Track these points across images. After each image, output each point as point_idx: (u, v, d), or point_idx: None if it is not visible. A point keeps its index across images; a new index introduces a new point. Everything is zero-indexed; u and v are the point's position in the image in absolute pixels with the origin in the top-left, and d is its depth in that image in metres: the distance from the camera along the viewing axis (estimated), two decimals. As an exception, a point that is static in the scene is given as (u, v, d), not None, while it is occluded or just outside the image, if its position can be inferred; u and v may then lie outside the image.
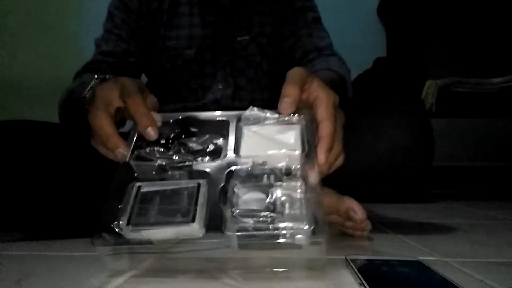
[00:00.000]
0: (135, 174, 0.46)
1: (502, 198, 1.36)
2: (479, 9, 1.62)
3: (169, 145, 0.48)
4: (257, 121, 0.48)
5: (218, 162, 0.46)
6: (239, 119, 0.50)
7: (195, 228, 0.38)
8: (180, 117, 0.52)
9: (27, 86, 1.85)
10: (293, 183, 0.41)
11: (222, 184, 0.44)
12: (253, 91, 0.88)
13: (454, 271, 0.44)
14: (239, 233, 0.37)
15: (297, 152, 0.44)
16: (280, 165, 0.44)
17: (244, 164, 0.45)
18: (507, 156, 1.53)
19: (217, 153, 0.48)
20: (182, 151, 0.47)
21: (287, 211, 0.39)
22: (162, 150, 0.47)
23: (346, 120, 0.52)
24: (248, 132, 0.47)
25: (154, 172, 0.46)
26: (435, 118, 1.44)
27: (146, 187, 0.43)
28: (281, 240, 0.37)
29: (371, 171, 0.69)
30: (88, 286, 0.39)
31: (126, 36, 0.83)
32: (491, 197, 1.41)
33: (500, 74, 1.55)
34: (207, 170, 0.45)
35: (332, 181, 0.53)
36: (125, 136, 0.49)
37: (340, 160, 0.48)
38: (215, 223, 0.39)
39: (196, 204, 0.40)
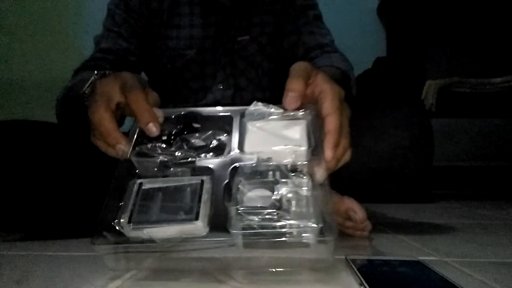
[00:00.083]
0: (136, 171, 0.44)
1: (502, 198, 1.36)
2: (479, 9, 1.62)
3: (171, 141, 0.47)
4: (262, 116, 0.47)
5: (222, 159, 0.45)
6: (242, 115, 0.49)
7: (199, 226, 0.37)
8: (182, 113, 0.51)
9: (27, 86, 1.85)
10: (299, 180, 0.40)
11: (226, 181, 0.42)
12: (254, 91, 0.87)
13: (454, 271, 0.44)
14: (245, 231, 0.36)
15: (303, 148, 0.43)
16: (285, 161, 0.43)
17: (249, 161, 0.43)
18: (507, 156, 1.53)
19: (220, 149, 0.46)
20: (185, 147, 0.46)
21: (293, 209, 0.37)
22: (164, 146, 0.46)
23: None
24: (253, 127, 0.46)
25: (156, 169, 0.44)
26: (435, 118, 1.44)
27: (148, 184, 0.42)
28: (288, 239, 0.36)
29: (371, 171, 0.69)
30: (88, 286, 0.39)
31: (127, 35, 0.82)
32: (491, 197, 1.41)
33: (500, 74, 1.55)
34: (211, 166, 0.44)
35: (332, 181, 0.53)
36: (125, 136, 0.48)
37: (347, 155, 0.46)
38: (219, 221, 0.38)
39: (199, 201, 0.39)
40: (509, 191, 1.44)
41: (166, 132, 0.48)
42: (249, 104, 0.49)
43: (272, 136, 0.44)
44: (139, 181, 0.42)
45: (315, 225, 0.36)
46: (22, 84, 1.86)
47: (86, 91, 0.56)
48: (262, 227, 0.36)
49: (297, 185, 0.39)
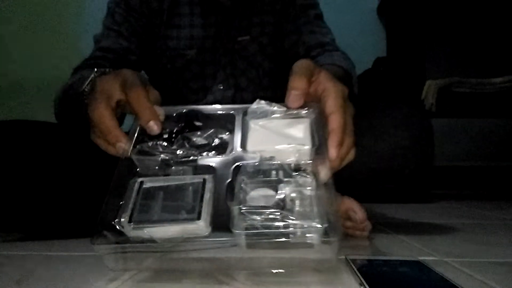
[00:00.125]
0: (137, 169, 0.44)
1: (502, 198, 1.36)
2: (479, 9, 1.62)
3: (173, 140, 0.46)
4: (264, 114, 0.46)
5: (224, 157, 0.44)
6: (245, 113, 0.48)
7: (201, 226, 0.37)
8: (183, 111, 0.50)
9: (27, 86, 1.85)
10: (303, 179, 0.39)
11: (229, 180, 0.42)
12: (255, 92, 0.87)
13: (454, 271, 0.44)
14: (248, 231, 0.35)
15: (307, 147, 0.42)
16: (289, 160, 0.42)
17: (252, 159, 0.43)
18: (507, 156, 1.53)
19: (222, 147, 0.46)
20: (186, 145, 0.45)
21: (297, 209, 0.37)
22: (165, 144, 0.45)
23: None
24: (255, 126, 0.46)
25: (157, 167, 0.44)
26: (435, 118, 1.44)
27: (149, 183, 0.41)
28: (292, 239, 0.35)
29: (371, 171, 0.69)
30: (88, 286, 0.39)
31: (127, 34, 0.82)
32: (491, 197, 1.41)
33: (500, 74, 1.55)
34: (213, 165, 0.44)
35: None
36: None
37: (351, 154, 0.46)
38: (221, 221, 0.37)
39: (201, 200, 0.38)
40: (509, 191, 1.44)
41: (167, 130, 0.47)
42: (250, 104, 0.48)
43: (275, 135, 0.44)
44: (140, 179, 0.42)
45: (319, 226, 0.35)
46: (22, 84, 1.86)
47: (86, 89, 0.55)
48: (266, 227, 0.35)
49: (301, 184, 0.39)
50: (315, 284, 0.40)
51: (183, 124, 0.49)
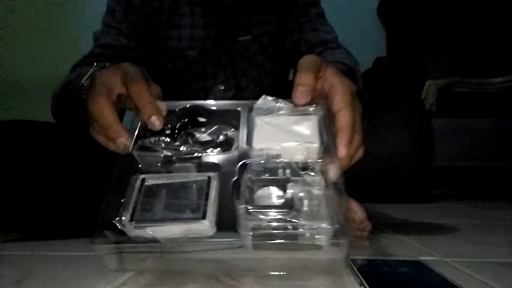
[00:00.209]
0: (139, 166, 0.42)
1: (502, 198, 1.36)
2: (479, 9, 1.62)
3: (175, 136, 0.44)
4: (270, 111, 0.45)
5: (229, 154, 0.43)
6: (250, 109, 0.47)
7: (206, 226, 0.35)
8: (187, 106, 0.48)
9: (27, 86, 1.85)
10: (311, 178, 0.38)
11: (235, 178, 0.40)
12: (256, 92, 0.87)
13: (454, 271, 0.44)
14: (255, 231, 0.34)
15: (315, 145, 0.41)
16: (296, 158, 0.41)
17: (258, 157, 0.41)
18: (507, 156, 1.53)
19: (227, 144, 0.44)
20: (190, 141, 0.44)
21: (305, 209, 0.35)
22: (168, 140, 0.43)
23: None
24: (261, 122, 0.44)
25: (159, 164, 0.42)
26: (435, 118, 1.44)
27: (151, 180, 0.39)
28: (301, 241, 0.34)
29: (371, 171, 0.69)
30: (88, 286, 0.39)
31: (127, 31, 0.81)
32: (491, 197, 1.41)
33: (500, 74, 1.55)
34: (218, 162, 0.42)
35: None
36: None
37: (360, 153, 0.45)
38: (226, 221, 0.36)
39: (207, 199, 0.37)
40: (509, 191, 1.44)
41: (170, 126, 0.45)
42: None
43: (282, 132, 0.42)
44: (141, 176, 0.40)
45: (329, 227, 0.34)
46: (22, 84, 1.86)
47: (85, 84, 0.53)
48: (274, 228, 0.34)
49: (309, 183, 0.37)
50: (315, 284, 0.40)
51: (186, 120, 0.47)
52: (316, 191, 0.37)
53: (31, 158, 0.60)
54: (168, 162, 0.42)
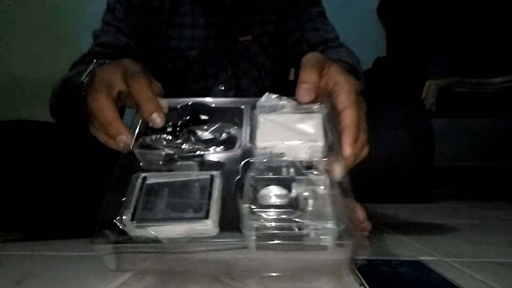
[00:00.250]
0: (140, 164, 0.41)
1: (502, 198, 1.36)
2: (479, 9, 1.62)
3: (177, 133, 0.43)
4: (273, 109, 0.44)
5: (232, 153, 0.42)
6: (253, 107, 0.46)
7: (209, 226, 0.34)
8: (189, 103, 0.47)
9: (27, 86, 1.85)
10: (316, 177, 0.37)
11: (238, 177, 0.39)
12: (256, 92, 0.87)
13: (454, 271, 0.44)
14: (259, 232, 0.33)
15: (320, 143, 0.40)
16: (300, 157, 0.40)
17: (261, 155, 0.41)
18: (507, 156, 1.53)
19: (230, 142, 0.43)
20: (192, 139, 0.43)
21: (310, 209, 0.35)
22: (170, 138, 0.42)
23: None
24: (264, 120, 0.43)
25: (161, 162, 0.41)
26: (435, 118, 1.44)
27: (153, 178, 0.38)
28: (306, 241, 0.33)
29: (371, 171, 0.69)
30: (88, 286, 0.39)
31: (127, 30, 0.81)
32: (491, 197, 1.41)
33: (500, 74, 1.55)
34: (221, 161, 0.41)
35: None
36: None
37: (365, 152, 0.44)
38: (229, 221, 0.35)
39: (209, 198, 0.36)
40: (509, 191, 1.44)
41: (171, 123, 0.45)
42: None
43: (286, 130, 0.42)
44: (143, 175, 0.39)
45: (334, 227, 0.33)
46: (22, 84, 1.86)
47: (84, 81, 0.52)
48: (278, 228, 0.33)
49: (314, 183, 0.37)
50: (314, 284, 0.40)
51: (188, 118, 0.46)
52: (321, 191, 0.36)
53: (31, 158, 0.60)
54: (169, 161, 0.42)
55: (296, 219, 0.34)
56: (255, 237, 0.34)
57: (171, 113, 0.46)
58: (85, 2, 1.89)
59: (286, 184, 0.36)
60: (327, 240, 0.33)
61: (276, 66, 0.88)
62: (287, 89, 0.46)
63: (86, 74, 0.52)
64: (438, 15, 1.64)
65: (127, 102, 0.47)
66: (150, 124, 0.43)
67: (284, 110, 0.44)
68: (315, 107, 0.43)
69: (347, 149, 0.40)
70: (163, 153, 0.41)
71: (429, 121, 0.73)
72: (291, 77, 1.00)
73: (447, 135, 1.50)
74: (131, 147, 0.42)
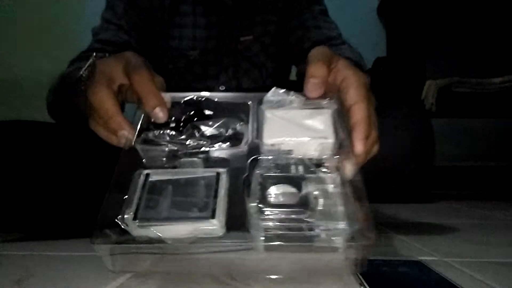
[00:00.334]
0: (142, 160, 0.40)
1: (502, 198, 1.36)
2: (478, 9, 1.62)
3: (181, 129, 0.42)
4: (281, 104, 0.42)
5: (239, 149, 0.40)
6: (260, 102, 0.44)
7: (215, 225, 0.33)
8: (193, 98, 0.45)
9: (27, 86, 1.85)
10: (326, 175, 0.36)
11: (246, 174, 0.38)
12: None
13: (454, 271, 0.44)
14: (267, 232, 0.32)
15: (330, 140, 0.39)
16: (310, 154, 0.38)
17: (269, 153, 0.39)
18: (507, 156, 1.53)
19: (236, 138, 0.42)
20: (196, 135, 0.41)
21: (321, 208, 0.33)
22: (173, 133, 0.41)
23: None
24: (272, 116, 0.41)
25: (164, 159, 0.40)
26: (435, 118, 1.44)
27: (156, 176, 0.37)
28: (317, 243, 0.32)
29: (371, 171, 0.69)
30: (88, 286, 0.39)
31: (127, 27, 0.80)
32: (491, 197, 1.41)
33: (500, 74, 1.55)
34: (227, 157, 0.40)
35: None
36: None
37: (375, 149, 0.42)
38: (236, 220, 0.34)
39: (215, 196, 0.35)
40: (509, 191, 1.44)
41: (174, 118, 0.43)
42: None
43: (294, 126, 0.40)
44: (145, 172, 0.38)
45: (347, 228, 0.32)
46: (22, 84, 1.86)
47: (84, 74, 0.49)
48: (287, 229, 0.32)
49: (324, 181, 0.35)
50: (315, 283, 0.40)
51: (192, 113, 0.44)
52: (331, 189, 0.35)
53: (31, 158, 0.60)
54: (173, 157, 0.40)
55: (306, 219, 0.33)
56: (263, 238, 0.32)
57: (174, 108, 0.44)
58: (85, 1, 1.89)
59: (295, 182, 0.35)
60: (339, 241, 0.32)
61: (277, 66, 0.88)
62: (288, 89, 0.45)
63: (85, 67, 0.50)
64: (438, 15, 1.64)
65: (128, 96, 0.46)
66: (153, 119, 0.42)
67: (292, 105, 0.42)
68: (324, 102, 0.42)
69: (359, 146, 0.38)
70: (167, 149, 0.40)
71: (429, 121, 0.73)
72: (292, 77, 1.00)
73: (447, 135, 1.50)
74: (133, 143, 0.40)
